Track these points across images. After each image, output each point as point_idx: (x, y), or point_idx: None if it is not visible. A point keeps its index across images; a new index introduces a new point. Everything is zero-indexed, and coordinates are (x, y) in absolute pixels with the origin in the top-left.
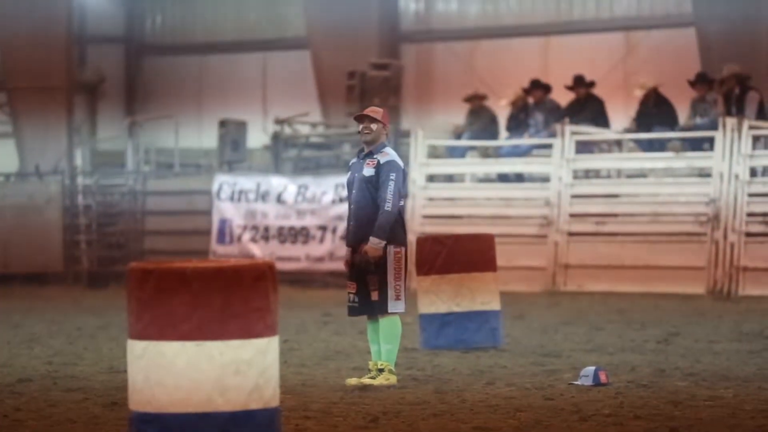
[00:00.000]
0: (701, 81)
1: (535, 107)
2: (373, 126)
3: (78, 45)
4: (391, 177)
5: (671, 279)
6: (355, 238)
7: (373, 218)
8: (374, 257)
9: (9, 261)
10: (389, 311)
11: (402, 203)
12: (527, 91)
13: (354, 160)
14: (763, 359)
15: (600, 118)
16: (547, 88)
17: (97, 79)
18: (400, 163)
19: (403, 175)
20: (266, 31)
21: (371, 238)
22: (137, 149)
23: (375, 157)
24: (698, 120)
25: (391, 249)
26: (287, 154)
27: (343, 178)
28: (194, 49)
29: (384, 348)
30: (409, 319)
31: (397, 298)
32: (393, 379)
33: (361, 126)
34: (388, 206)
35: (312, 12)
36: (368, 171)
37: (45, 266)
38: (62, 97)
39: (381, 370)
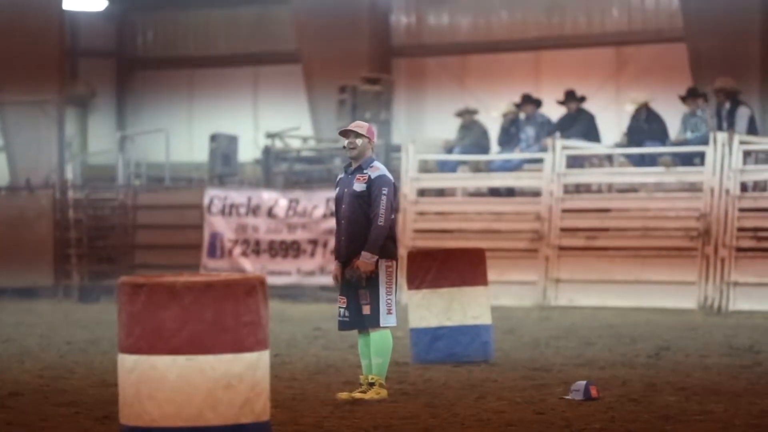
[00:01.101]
0: (692, 95)
1: (526, 121)
2: (359, 141)
3: (69, 59)
4: (384, 192)
5: (662, 294)
6: (347, 253)
7: (363, 233)
8: (366, 272)
9: None
10: (381, 325)
11: (393, 217)
12: (518, 106)
13: (341, 175)
14: (754, 374)
15: (591, 133)
16: (538, 103)
17: (88, 93)
18: (391, 177)
19: (394, 189)
20: (257, 45)
21: (363, 253)
22: (128, 163)
23: (365, 172)
24: (689, 135)
25: (383, 263)
26: (278, 168)
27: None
28: (185, 63)
29: (375, 362)
30: (399, 333)
31: (389, 312)
32: (383, 393)
33: (346, 141)
34: (381, 221)
35: (303, 26)
36: (359, 186)
37: (35, 280)
38: (53, 110)
39: (372, 384)
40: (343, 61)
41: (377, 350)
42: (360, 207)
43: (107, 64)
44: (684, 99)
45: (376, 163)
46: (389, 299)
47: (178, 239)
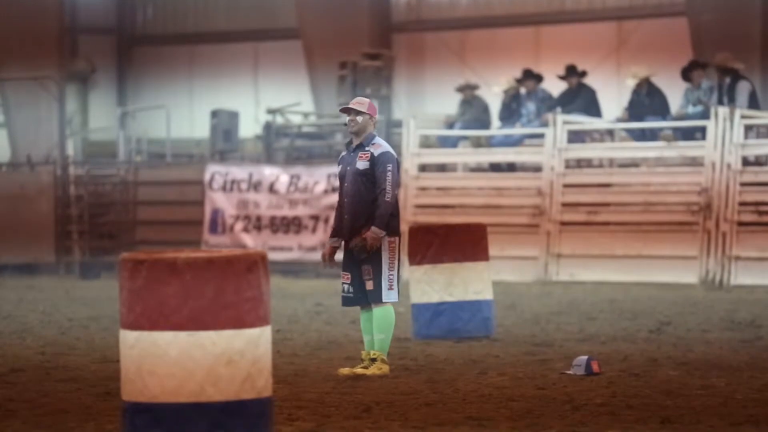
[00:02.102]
0: (694, 67)
1: (527, 97)
2: (359, 118)
3: (70, 35)
4: (389, 168)
5: (663, 268)
6: (350, 231)
7: (367, 211)
8: (372, 246)
9: (0, 251)
10: (383, 301)
11: (396, 193)
12: (519, 81)
13: (344, 152)
14: (755, 348)
15: (592, 108)
16: (539, 78)
17: (88, 69)
18: (394, 153)
19: (397, 164)
20: (257, 20)
21: (373, 228)
22: (129, 139)
23: (367, 149)
24: (690, 109)
25: (386, 239)
26: (279, 143)
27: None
28: (185, 39)
29: (377, 337)
30: (401, 308)
31: (390, 288)
32: (385, 369)
33: (347, 118)
34: (388, 197)
35: (303, 2)
36: (362, 164)
37: (36, 257)
38: (54, 87)
39: (373, 360)
40: (343, 37)
41: (379, 326)
42: (363, 185)
43: (107, 40)
44: (685, 72)
45: (378, 140)
46: (391, 275)
47: (179, 215)
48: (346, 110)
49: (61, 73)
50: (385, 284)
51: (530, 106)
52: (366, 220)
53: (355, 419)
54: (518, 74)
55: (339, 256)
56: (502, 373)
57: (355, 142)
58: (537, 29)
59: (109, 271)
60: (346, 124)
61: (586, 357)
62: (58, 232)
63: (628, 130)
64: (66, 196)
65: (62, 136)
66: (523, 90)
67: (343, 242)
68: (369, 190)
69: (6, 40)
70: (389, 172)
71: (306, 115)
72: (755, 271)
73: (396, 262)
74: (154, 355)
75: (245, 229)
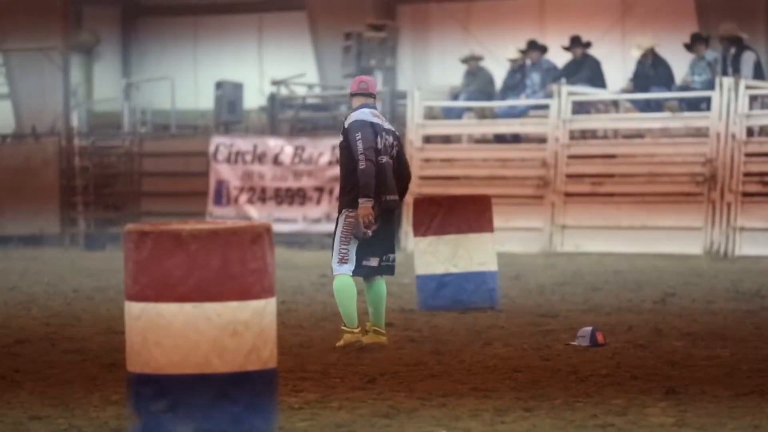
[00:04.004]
0: (696, 41)
1: (531, 68)
2: (353, 99)
3: (74, 6)
4: (357, 137)
5: (668, 239)
6: (338, 206)
7: (345, 185)
8: (365, 216)
9: (5, 223)
10: (332, 273)
11: (369, 158)
12: (524, 52)
13: None
14: (760, 318)
15: (597, 79)
16: (543, 49)
17: (93, 40)
18: (364, 119)
19: (369, 129)
20: None
21: (359, 200)
22: (134, 111)
23: (344, 124)
24: (696, 78)
25: (344, 212)
26: (284, 115)
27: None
28: (190, 10)
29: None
30: (406, 279)
31: (342, 261)
32: (345, 340)
33: None
34: (361, 165)
35: None
36: (339, 140)
37: (42, 228)
38: (58, 58)
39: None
40: (347, 8)
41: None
42: (344, 158)
43: (112, 11)
44: (689, 46)
45: (354, 113)
46: (344, 249)
47: (183, 187)
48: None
49: (65, 43)
50: (335, 257)
51: (535, 77)
52: (346, 194)
53: (359, 390)
54: (523, 45)
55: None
56: (506, 344)
57: None
58: (541, 0)
59: (114, 242)
60: None
61: (590, 328)
62: (63, 204)
63: (633, 101)
64: (71, 168)
65: (67, 107)
66: (528, 61)
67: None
68: (347, 164)
69: (11, 11)
70: (358, 141)
71: (310, 86)
72: (760, 241)
73: (349, 236)
74: (159, 326)
75: (250, 201)
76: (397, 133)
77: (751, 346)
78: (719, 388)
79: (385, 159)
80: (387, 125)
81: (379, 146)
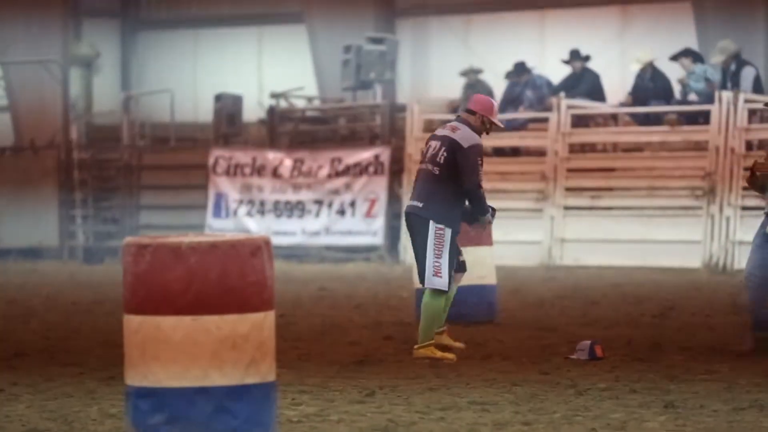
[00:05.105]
0: (682, 55)
1: (524, 86)
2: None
3: (74, 19)
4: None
5: (667, 253)
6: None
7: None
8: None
9: (4, 236)
10: (425, 285)
11: (422, 166)
12: (510, 75)
13: None
14: (759, 333)
15: (596, 92)
16: (529, 70)
17: (92, 53)
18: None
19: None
20: (262, 4)
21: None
22: (133, 123)
23: None
24: (692, 84)
25: (432, 224)
26: (283, 128)
27: (339, 152)
28: (189, 23)
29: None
30: (404, 293)
31: (436, 275)
32: (428, 352)
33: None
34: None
35: None
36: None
37: (40, 241)
38: (57, 70)
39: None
40: (347, 21)
41: (422, 311)
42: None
43: (111, 24)
44: (676, 58)
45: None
46: (437, 263)
47: (182, 200)
48: None
49: (65, 56)
50: (429, 270)
51: (529, 94)
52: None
53: (358, 403)
54: (521, 59)
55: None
56: (505, 358)
57: None
58: (541, 13)
59: (113, 255)
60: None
61: (589, 341)
62: (62, 216)
63: (632, 115)
64: (70, 181)
65: (66, 120)
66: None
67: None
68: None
69: (10, 24)
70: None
71: (310, 99)
72: None
73: (443, 250)
74: (157, 339)
75: (249, 214)
76: (452, 138)
77: (749, 361)
78: (718, 403)
79: (424, 165)
80: (443, 132)
81: (426, 152)
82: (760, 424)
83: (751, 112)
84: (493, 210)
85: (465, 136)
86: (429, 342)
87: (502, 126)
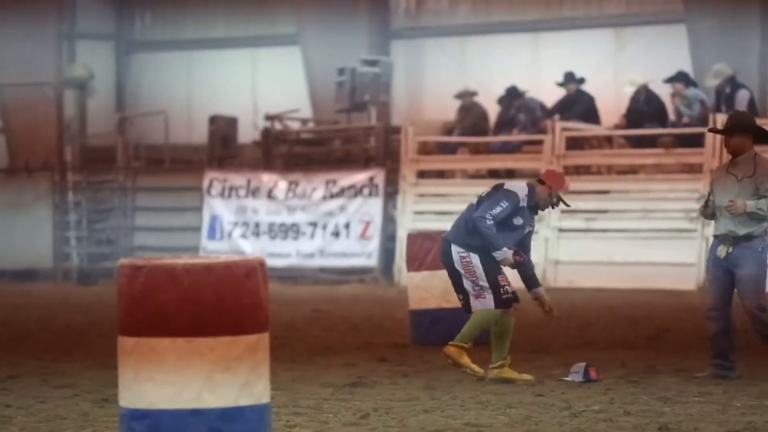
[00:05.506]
0: (676, 79)
1: (517, 110)
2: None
3: (68, 41)
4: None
5: (661, 275)
6: None
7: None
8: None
9: None
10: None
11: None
12: (501, 101)
13: None
14: (752, 356)
15: (590, 115)
16: (521, 93)
17: (86, 75)
18: (515, 194)
19: (508, 203)
20: (256, 26)
21: None
22: (127, 145)
23: None
24: (684, 110)
25: (458, 253)
26: (278, 150)
27: (334, 174)
28: (184, 45)
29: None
30: (399, 314)
31: (478, 297)
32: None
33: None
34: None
35: (302, 8)
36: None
37: (34, 262)
38: (52, 92)
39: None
40: (341, 43)
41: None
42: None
43: (106, 46)
44: (671, 82)
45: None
46: (476, 288)
47: (177, 221)
48: None
49: (59, 78)
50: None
51: (522, 117)
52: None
53: (353, 426)
54: (517, 80)
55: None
56: (500, 380)
57: None
58: (535, 36)
59: (107, 277)
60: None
61: (584, 363)
62: (56, 238)
63: (627, 137)
64: (64, 202)
65: (60, 142)
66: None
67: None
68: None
69: (5, 45)
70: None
71: (304, 121)
72: None
73: (473, 275)
74: (151, 361)
75: (243, 236)
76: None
77: (744, 383)
78: (713, 425)
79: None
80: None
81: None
82: None
83: None
84: (517, 252)
85: (514, 185)
86: (499, 364)
87: (569, 205)
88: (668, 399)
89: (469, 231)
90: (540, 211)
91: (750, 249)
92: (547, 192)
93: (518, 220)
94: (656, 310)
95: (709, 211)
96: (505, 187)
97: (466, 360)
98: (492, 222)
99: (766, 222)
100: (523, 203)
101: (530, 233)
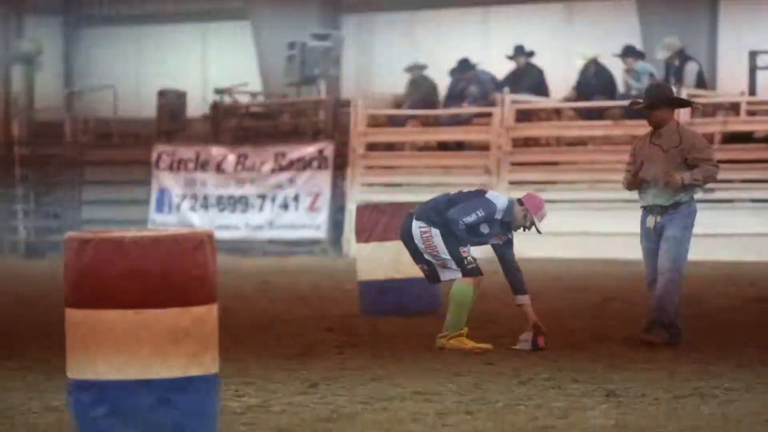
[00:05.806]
0: (628, 54)
1: (468, 81)
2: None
3: (16, 15)
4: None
5: (609, 245)
6: None
7: None
8: None
9: None
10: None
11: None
12: (453, 72)
13: None
14: (698, 322)
15: (539, 87)
16: (472, 66)
17: (35, 49)
18: (491, 204)
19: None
20: (206, 1)
21: None
22: (76, 119)
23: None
24: (633, 83)
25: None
26: (227, 123)
27: (283, 147)
28: (133, 20)
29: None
30: (348, 286)
31: (444, 267)
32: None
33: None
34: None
35: None
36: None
37: None
38: None
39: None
40: (291, 18)
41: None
42: None
43: (54, 20)
44: (622, 57)
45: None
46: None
47: (125, 195)
48: None
49: (6, 53)
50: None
51: (473, 90)
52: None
53: (301, 395)
54: (468, 53)
55: None
56: (448, 348)
57: None
58: (485, 9)
59: (55, 250)
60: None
61: (532, 332)
62: (3, 212)
63: (576, 110)
64: (11, 176)
65: (8, 117)
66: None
67: None
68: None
69: None
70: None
71: (254, 95)
72: (699, 247)
73: (435, 249)
74: (99, 333)
75: (192, 208)
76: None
77: (690, 349)
78: (659, 391)
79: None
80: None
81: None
82: (701, 412)
83: (694, 108)
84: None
85: (495, 196)
86: (457, 333)
87: (540, 232)
88: (615, 366)
89: (435, 211)
90: (513, 230)
91: (678, 214)
92: (522, 214)
93: (485, 228)
94: (603, 279)
95: (634, 182)
96: (487, 195)
97: (471, 344)
98: (464, 227)
99: (692, 190)
100: (498, 216)
101: (510, 242)
